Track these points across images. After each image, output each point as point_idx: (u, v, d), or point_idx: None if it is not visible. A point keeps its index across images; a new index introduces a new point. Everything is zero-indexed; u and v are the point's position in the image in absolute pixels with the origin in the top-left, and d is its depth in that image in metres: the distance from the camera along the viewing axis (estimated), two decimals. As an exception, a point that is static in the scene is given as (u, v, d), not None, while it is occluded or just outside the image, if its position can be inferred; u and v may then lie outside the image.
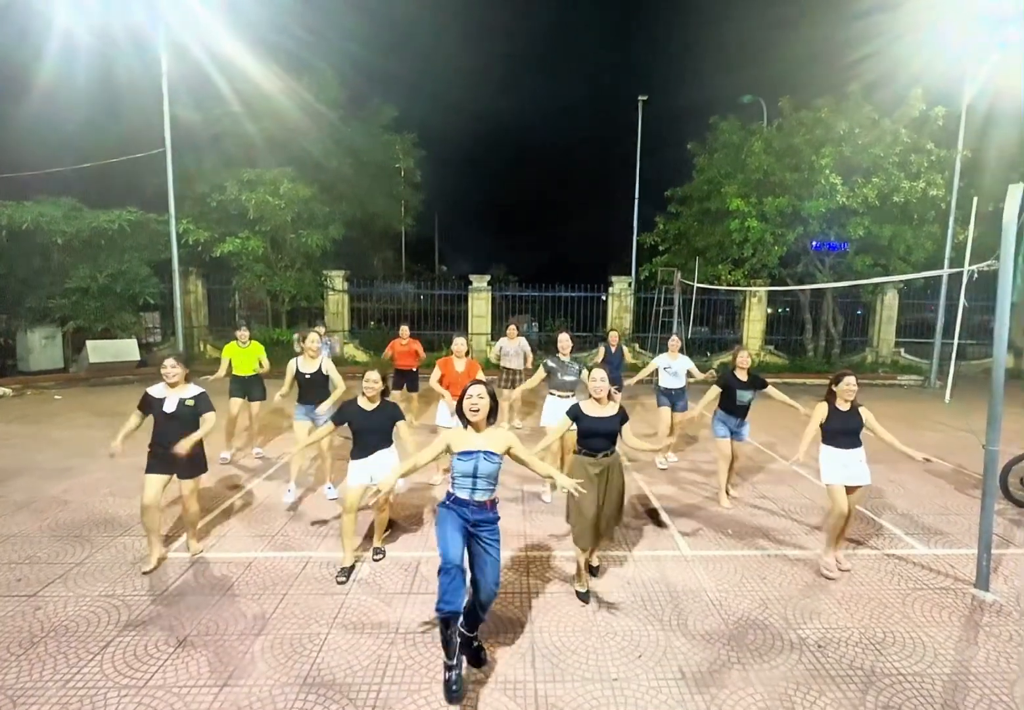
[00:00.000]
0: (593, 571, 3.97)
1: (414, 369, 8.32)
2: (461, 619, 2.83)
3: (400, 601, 3.58)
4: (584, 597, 3.69)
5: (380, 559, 4.14)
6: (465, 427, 2.97)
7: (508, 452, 2.98)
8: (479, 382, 2.96)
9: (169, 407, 3.90)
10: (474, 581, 2.86)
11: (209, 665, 2.96)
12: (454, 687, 2.71)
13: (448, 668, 2.75)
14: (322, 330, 8.40)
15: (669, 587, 3.84)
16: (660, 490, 5.83)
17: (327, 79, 15.29)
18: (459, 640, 2.83)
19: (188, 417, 3.96)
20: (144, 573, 3.88)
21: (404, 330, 8.36)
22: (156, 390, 3.98)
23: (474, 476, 2.82)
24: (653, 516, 5.13)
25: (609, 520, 3.67)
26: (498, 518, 2.93)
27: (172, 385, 3.95)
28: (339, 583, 3.82)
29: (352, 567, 3.97)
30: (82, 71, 13.26)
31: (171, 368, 3.91)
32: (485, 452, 2.84)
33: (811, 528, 4.88)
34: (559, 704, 2.72)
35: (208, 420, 4.05)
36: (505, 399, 8.31)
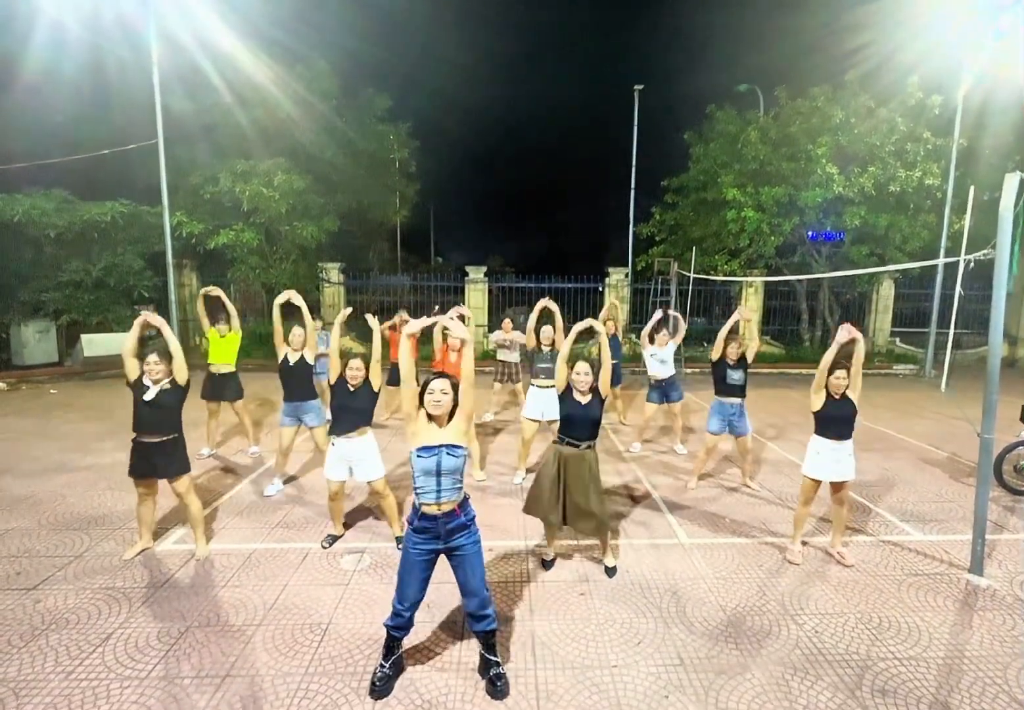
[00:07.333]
0: (545, 564, 3.94)
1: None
2: (479, 637, 2.85)
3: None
4: (547, 565, 3.90)
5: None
6: (428, 420, 2.75)
7: (465, 425, 2.79)
8: (444, 376, 2.77)
9: (149, 395, 3.84)
10: (463, 592, 2.79)
11: (211, 656, 2.97)
12: (377, 683, 2.73)
13: (381, 666, 2.80)
14: (319, 324, 8.40)
15: (667, 575, 3.87)
16: (657, 480, 5.86)
17: (320, 69, 15.11)
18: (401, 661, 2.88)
19: (167, 404, 3.86)
20: (124, 559, 3.97)
21: (402, 315, 7.85)
22: (146, 378, 3.93)
23: (438, 473, 2.66)
24: (651, 505, 5.17)
25: (578, 511, 3.66)
26: (472, 517, 2.80)
27: (155, 382, 3.90)
28: (323, 547, 4.18)
29: (340, 536, 4.36)
30: (72, 61, 13.07)
31: (154, 364, 3.85)
32: (448, 446, 2.68)
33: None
34: (559, 691, 2.75)
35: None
36: (495, 392, 8.33)
